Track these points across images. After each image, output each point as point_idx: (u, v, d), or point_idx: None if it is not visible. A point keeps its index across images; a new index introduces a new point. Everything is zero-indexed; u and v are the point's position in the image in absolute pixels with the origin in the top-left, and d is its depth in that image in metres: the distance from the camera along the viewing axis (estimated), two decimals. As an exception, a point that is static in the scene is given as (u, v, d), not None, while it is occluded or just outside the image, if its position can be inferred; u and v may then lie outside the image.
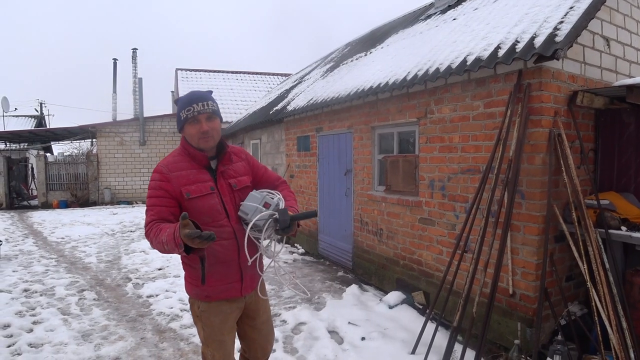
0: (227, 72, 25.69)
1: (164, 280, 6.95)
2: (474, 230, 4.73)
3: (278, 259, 2.77)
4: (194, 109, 2.58)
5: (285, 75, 24.96)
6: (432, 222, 5.60)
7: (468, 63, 4.69)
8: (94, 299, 6.23)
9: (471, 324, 4.22)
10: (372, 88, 6.32)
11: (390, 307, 5.56)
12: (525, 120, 4.28)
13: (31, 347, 4.69)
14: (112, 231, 12.28)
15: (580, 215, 4.09)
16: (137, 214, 15.79)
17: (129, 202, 19.64)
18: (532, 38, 4.23)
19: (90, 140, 21.96)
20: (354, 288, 6.26)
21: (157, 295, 6.30)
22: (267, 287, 6.51)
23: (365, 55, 9.29)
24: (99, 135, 19.81)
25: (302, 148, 9.25)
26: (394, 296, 5.71)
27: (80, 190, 19.79)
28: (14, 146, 25.36)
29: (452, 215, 5.28)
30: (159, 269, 7.77)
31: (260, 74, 26.37)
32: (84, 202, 19.43)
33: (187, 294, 2.81)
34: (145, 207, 2.54)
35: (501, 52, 4.43)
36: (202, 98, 2.62)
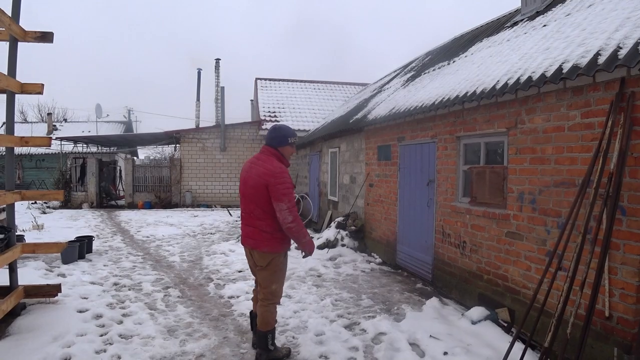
0: (305, 81, 26.09)
1: (244, 283, 7.12)
2: (569, 247, 4.49)
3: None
4: (295, 139, 4.55)
5: (362, 84, 25.00)
6: (520, 237, 5.38)
7: (564, 71, 4.48)
8: (178, 297, 6.48)
9: (564, 347, 3.98)
10: (458, 97, 6.19)
11: (473, 323, 5.38)
12: (628, 130, 4.02)
13: (121, 337, 4.94)
14: (193, 232, 12.77)
15: (692, 235, 3.78)
16: (217, 217, 16.32)
17: (209, 206, 20.37)
18: (637, 44, 3.97)
19: (174, 145, 23.02)
20: (434, 301, 6.11)
21: (238, 297, 6.46)
22: (346, 295, 6.52)
23: (448, 64, 9.13)
24: (183, 141, 20.71)
25: (383, 157, 9.21)
26: (477, 312, 5.53)
27: (163, 193, 20.75)
28: (104, 149, 27.11)
29: (542, 230, 5.04)
30: (239, 271, 7.97)
31: (337, 83, 26.56)
32: (166, 203, 20.35)
33: (273, 252, 4.26)
34: (287, 190, 4.12)
35: (602, 59, 4.20)
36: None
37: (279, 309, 4.90)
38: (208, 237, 11.99)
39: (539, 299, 4.68)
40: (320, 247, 9.68)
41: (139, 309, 5.89)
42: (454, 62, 8.98)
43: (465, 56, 8.67)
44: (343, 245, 9.74)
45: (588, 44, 4.70)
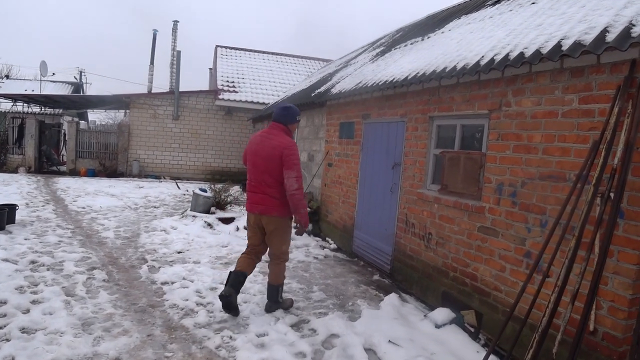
0: (267, 52, 25.01)
1: (182, 266, 6.31)
2: (554, 249, 3.91)
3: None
4: (300, 116, 5.20)
5: (327, 60, 24.14)
6: (495, 233, 4.80)
7: (564, 48, 3.85)
8: (104, 280, 5.61)
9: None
10: (435, 72, 5.51)
11: (437, 327, 4.79)
12: (637, 121, 3.44)
13: (23, 332, 4.06)
14: (135, 205, 11.75)
15: None
16: (164, 190, 15.27)
17: (157, 177, 19.18)
18: (657, 20, 3.38)
19: (124, 111, 21.63)
20: (393, 298, 5.50)
21: (172, 283, 5.65)
22: (296, 285, 5.84)
23: (422, 40, 8.45)
24: (133, 106, 19.36)
25: (345, 135, 8.49)
26: (442, 314, 4.93)
27: (109, 160, 19.41)
28: (49, 111, 25.28)
29: (522, 227, 4.46)
30: (179, 252, 7.13)
31: (302, 57, 25.61)
32: (111, 172, 19.04)
33: (282, 217, 4.86)
34: (297, 161, 4.73)
35: (611, 36, 3.59)
36: None
37: (218, 301, 4.88)
38: (151, 211, 11.01)
39: (522, 308, 4.10)
40: (272, 229, 8.96)
41: (53, 294, 5.00)
42: (428, 37, 8.31)
43: (442, 32, 8.01)
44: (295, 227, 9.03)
45: (591, 20, 4.09)
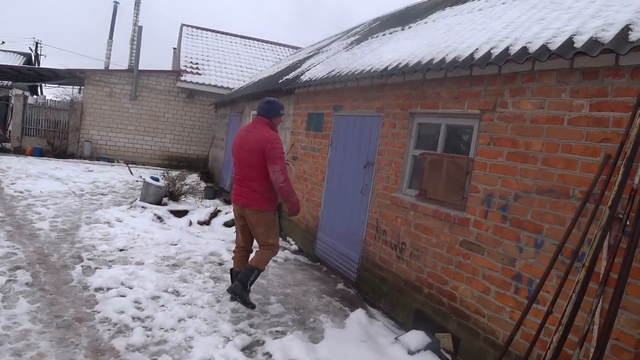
0: (236, 35, 23.98)
1: (123, 268, 5.52)
2: (563, 280, 3.39)
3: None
4: (284, 110, 5.29)
5: (297, 48, 23.35)
6: (480, 249, 4.24)
7: (577, 45, 3.29)
8: (27, 284, 4.78)
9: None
10: (420, 64, 4.90)
11: (410, 353, 4.20)
12: (664, 135, 2.91)
13: None
14: (80, 191, 10.76)
15: None
16: (115, 175, 14.24)
17: (110, 160, 18.00)
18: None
19: (79, 87, 20.33)
20: (360, 314, 4.90)
21: (108, 290, 4.87)
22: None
23: (403, 29, 7.85)
24: (87, 83, 18.09)
25: (313, 127, 7.82)
26: (416, 338, 4.35)
27: (58, 140, 18.10)
28: (-3, 83, 23.58)
29: (513, 246, 3.92)
30: (121, 250, 6.32)
31: (271, 43, 24.70)
32: (60, 152, 17.76)
33: (263, 211, 4.84)
34: (281, 154, 4.78)
35: (635, 35, 3.04)
36: None
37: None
38: (97, 199, 10.06)
39: (521, 344, 3.55)
40: (227, 225, 8.22)
41: (-41, 301, 4.18)
42: (409, 27, 7.71)
43: (425, 22, 7.42)
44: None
45: (607, 16, 3.54)
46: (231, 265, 6.10)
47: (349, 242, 6.42)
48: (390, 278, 5.45)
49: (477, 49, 4.35)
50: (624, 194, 3.01)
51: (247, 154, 4.82)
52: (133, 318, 4.32)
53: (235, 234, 5.39)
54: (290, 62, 14.51)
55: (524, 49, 3.73)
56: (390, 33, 8.19)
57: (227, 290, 5.10)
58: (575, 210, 3.37)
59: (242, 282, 4.91)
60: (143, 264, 5.87)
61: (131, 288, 4.97)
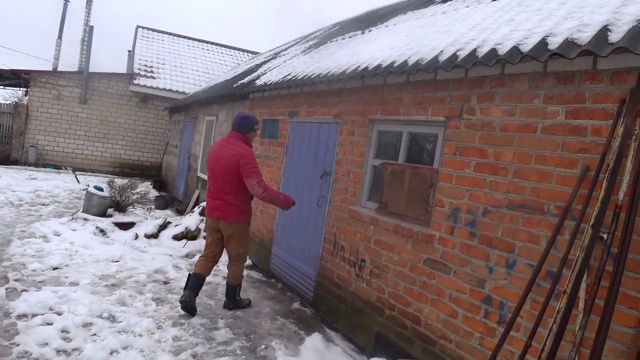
0: (193, 39, 23.30)
1: (53, 290, 4.92)
2: (544, 306, 3.06)
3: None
4: (259, 126, 5.55)
5: (255, 53, 22.86)
6: (446, 269, 3.89)
7: (552, 46, 2.98)
8: None
9: None
10: (380, 67, 4.53)
11: (371, 385, 3.81)
12: (651, 146, 2.62)
13: None
14: (19, 201, 9.96)
15: None
16: (61, 183, 13.39)
17: (57, 167, 17.02)
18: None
19: (25, 90, 19.23)
20: (316, 339, 4.48)
21: (33, 317, 4.27)
22: (197, 320, 4.66)
23: (363, 33, 7.52)
24: (33, 84, 17.11)
25: (268, 134, 7.36)
26: (377, 367, 3.96)
27: (0, 145, 17.07)
28: None
29: (482, 265, 3.58)
30: (54, 269, 5.70)
31: (229, 47, 24.14)
32: (3, 159, 16.68)
33: (239, 222, 5.04)
34: (255, 169, 4.90)
35: (615, 36, 2.75)
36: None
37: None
38: (36, 210, 9.31)
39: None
40: (177, 238, 7.67)
41: None
42: (370, 31, 7.38)
43: (386, 26, 7.11)
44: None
45: (581, 17, 3.25)
46: (178, 284, 5.63)
47: (305, 257, 6.00)
48: (349, 298, 5.05)
49: (441, 52, 4.01)
50: (608, 210, 2.70)
51: (221, 168, 4.90)
52: (57, 351, 3.77)
53: (205, 245, 5.37)
54: (247, 66, 14.04)
55: (493, 51, 3.41)
56: (349, 37, 7.85)
57: (180, 301, 4.93)
58: (552, 227, 3.06)
59: (231, 298, 5.24)
60: (78, 284, 5.29)
61: (60, 314, 4.40)
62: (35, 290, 4.94)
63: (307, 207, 6.05)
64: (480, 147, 3.69)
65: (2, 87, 24.28)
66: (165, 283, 5.78)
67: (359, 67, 4.98)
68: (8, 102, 19.73)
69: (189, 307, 4.86)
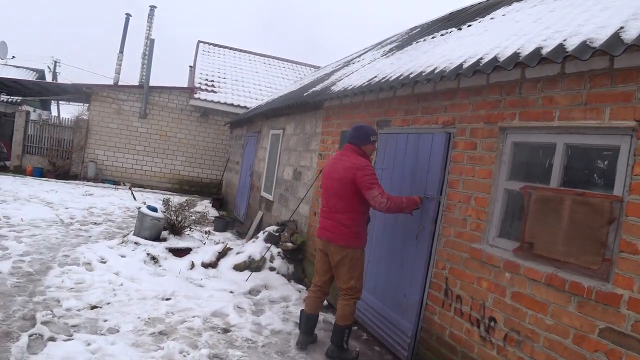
0: (254, 53, 22.71)
1: (86, 341, 3.87)
2: None
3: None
4: (377, 137, 4.83)
5: (318, 67, 21.96)
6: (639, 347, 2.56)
7: None
8: None
9: None
10: (518, 55, 3.28)
11: None
12: None
13: None
14: (70, 219, 9.19)
15: None
16: (117, 200, 12.74)
17: (116, 182, 16.55)
18: None
19: (86, 104, 19.07)
20: None
21: (53, 383, 3.25)
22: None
23: (460, 29, 6.27)
24: (94, 99, 16.78)
25: (348, 149, 6.18)
26: None
27: (61, 159, 16.73)
28: (7, 98, 22.42)
29: None
30: (93, 308, 4.69)
31: (291, 61, 23.39)
32: (63, 173, 16.35)
33: (348, 247, 4.33)
34: (375, 179, 4.23)
35: None
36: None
37: None
38: (87, 230, 8.49)
39: None
40: (239, 269, 6.57)
41: None
42: (469, 26, 6.13)
43: (491, 18, 5.84)
44: (272, 269, 6.68)
45: None
46: (240, 334, 4.54)
47: (397, 306, 4.74)
48: (468, 367, 3.75)
49: (621, 28, 2.74)
50: None
51: (335, 183, 4.40)
52: None
53: (315, 270, 4.86)
54: (314, 77, 13.04)
55: None
56: (441, 35, 6.62)
57: (295, 344, 4.65)
58: None
59: (337, 345, 4.45)
60: (118, 331, 4.25)
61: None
62: (65, 339, 3.92)
63: (402, 241, 4.81)
64: None
65: (66, 102, 24.56)
66: (226, 331, 4.66)
67: (481, 59, 3.75)
68: (70, 116, 19.68)
69: (306, 347, 4.61)
